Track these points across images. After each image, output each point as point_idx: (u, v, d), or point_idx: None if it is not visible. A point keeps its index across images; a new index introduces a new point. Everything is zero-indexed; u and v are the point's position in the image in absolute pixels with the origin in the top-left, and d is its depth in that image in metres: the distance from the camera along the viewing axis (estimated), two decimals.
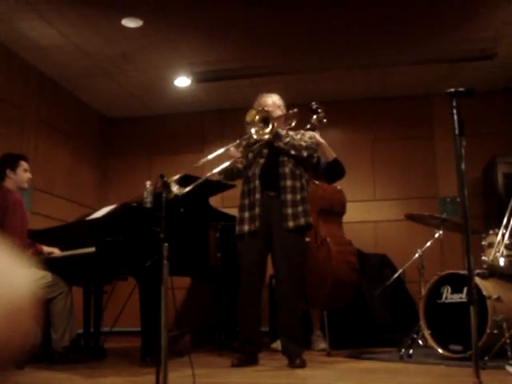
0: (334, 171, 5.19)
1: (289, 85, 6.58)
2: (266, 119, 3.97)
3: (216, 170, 3.85)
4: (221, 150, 3.83)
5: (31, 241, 4.42)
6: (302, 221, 4.03)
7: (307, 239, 4.62)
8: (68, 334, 4.31)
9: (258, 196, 4.06)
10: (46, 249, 4.43)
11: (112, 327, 4.94)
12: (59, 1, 5.07)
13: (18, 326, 0.70)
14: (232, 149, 4.02)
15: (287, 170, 4.08)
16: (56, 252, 4.42)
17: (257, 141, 4.03)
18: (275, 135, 4.04)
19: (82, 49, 5.97)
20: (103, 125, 7.97)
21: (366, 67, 6.52)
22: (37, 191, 6.17)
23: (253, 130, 3.94)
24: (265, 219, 4.04)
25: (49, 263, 4.36)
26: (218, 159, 3.80)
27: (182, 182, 4.90)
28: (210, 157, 3.70)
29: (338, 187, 5.36)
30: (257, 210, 4.04)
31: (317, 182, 5.15)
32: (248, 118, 3.95)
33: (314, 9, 5.34)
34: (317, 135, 4.72)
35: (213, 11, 5.33)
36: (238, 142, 4.16)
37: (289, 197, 4.03)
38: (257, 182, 4.09)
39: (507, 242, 3.97)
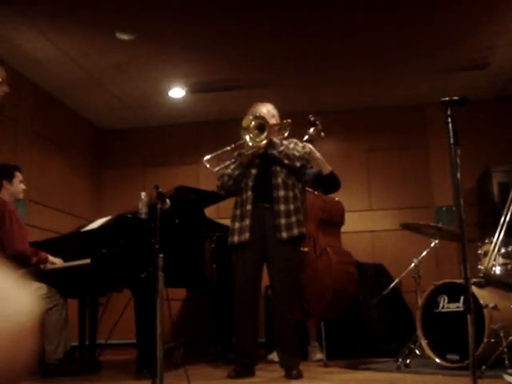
0: (330, 184, 5.20)
1: (284, 95, 6.58)
2: (261, 126, 3.99)
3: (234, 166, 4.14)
4: (227, 148, 4.10)
5: (35, 249, 4.39)
6: (296, 231, 4.01)
7: (305, 249, 4.61)
8: (62, 346, 4.27)
9: (249, 207, 4.04)
10: (51, 258, 4.40)
11: (107, 339, 4.91)
12: (53, 13, 5.07)
13: (21, 347, 0.70)
14: (248, 140, 4.02)
15: (279, 180, 4.07)
16: (58, 262, 4.39)
17: (253, 148, 4.04)
18: (270, 143, 4.04)
19: (75, 60, 5.96)
20: (97, 136, 7.95)
21: (360, 78, 6.54)
22: (31, 203, 6.14)
23: (247, 137, 3.96)
24: (258, 230, 4.02)
25: (44, 275, 4.34)
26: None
27: (177, 193, 4.91)
28: (220, 152, 3.85)
29: (337, 198, 5.36)
30: (247, 221, 4.02)
31: (316, 193, 5.14)
32: (244, 124, 3.98)
33: (305, 21, 5.36)
34: (312, 148, 4.74)
35: (206, 23, 5.34)
36: (233, 146, 4.19)
37: (282, 207, 4.02)
38: (249, 193, 4.07)
39: (503, 250, 3.97)
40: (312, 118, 5.20)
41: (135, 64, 6.13)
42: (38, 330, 0.74)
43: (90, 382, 3.93)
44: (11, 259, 3.94)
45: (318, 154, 4.98)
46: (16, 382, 0.71)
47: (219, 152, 4.22)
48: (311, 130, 5.15)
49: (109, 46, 5.70)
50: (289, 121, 4.31)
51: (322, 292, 4.81)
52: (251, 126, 3.99)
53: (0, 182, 4.40)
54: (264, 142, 3.99)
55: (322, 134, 5.19)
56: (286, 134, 4.33)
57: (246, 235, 4.00)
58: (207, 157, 4.19)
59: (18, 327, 0.70)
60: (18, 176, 4.53)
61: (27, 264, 4.28)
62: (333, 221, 5.21)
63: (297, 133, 4.51)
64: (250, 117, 4.04)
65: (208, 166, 4.16)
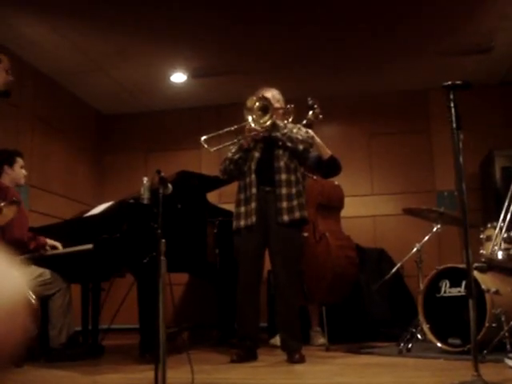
0: (330, 168, 5.19)
1: (286, 80, 6.54)
2: (265, 108, 3.99)
3: (233, 151, 4.13)
4: (230, 129, 4.15)
5: (33, 234, 4.40)
6: (297, 215, 4.02)
7: (305, 234, 4.61)
8: (65, 331, 4.30)
9: (254, 190, 4.05)
10: (50, 242, 4.41)
11: (110, 324, 4.93)
12: None
13: (14, 326, 0.71)
14: (251, 121, 4.00)
15: (282, 163, 4.07)
16: (59, 246, 4.41)
17: (253, 131, 4.03)
18: (273, 125, 4.03)
19: (77, 46, 5.94)
20: (99, 121, 7.94)
21: (362, 63, 6.51)
22: (33, 188, 6.14)
23: (250, 118, 3.95)
24: (261, 213, 4.03)
25: (47, 260, 4.35)
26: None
27: (179, 178, 4.90)
28: (221, 132, 4.05)
29: (336, 182, 5.35)
30: (253, 205, 4.03)
31: (315, 177, 5.14)
32: (248, 104, 3.97)
33: (307, 7, 5.33)
34: (313, 133, 4.73)
35: (208, 9, 5.31)
36: (235, 127, 4.18)
37: (284, 191, 4.02)
38: (253, 177, 4.08)
39: (505, 235, 3.97)
40: (310, 102, 5.18)
41: (137, 49, 6.10)
42: (34, 310, 0.76)
43: (94, 366, 3.95)
44: (9, 244, 3.96)
45: (317, 139, 4.96)
46: (10, 356, 0.71)
47: (220, 132, 4.22)
48: (310, 113, 5.14)
49: (110, 30, 5.67)
50: (292, 106, 4.30)
51: (321, 277, 4.82)
52: (255, 106, 3.99)
53: (1, 166, 4.41)
54: (267, 123, 3.98)
55: (321, 116, 5.17)
56: (290, 120, 4.32)
57: (253, 218, 4.01)
58: (205, 136, 4.19)
59: (11, 305, 0.71)
60: (19, 161, 4.54)
61: (26, 249, 4.29)
62: (332, 205, 5.21)
63: (297, 117, 4.50)
64: (254, 98, 4.03)
65: (206, 145, 4.16)
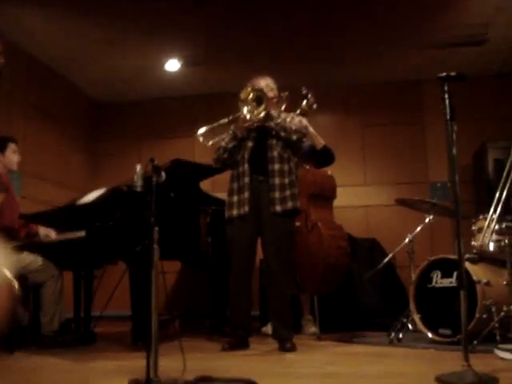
0: (323, 158, 5.19)
1: (280, 69, 6.50)
2: (259, 99, 3.99)
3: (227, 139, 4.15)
4: (224, 120, 4.12)
5: (24, 222, 4.39)
6: (290, 205, 4.03)
7: (297, 224, 4.62)
8: (57, 318, 4.31)
9: (246, 180, 4.05)
10: (42, 230, 4.40)
11: (102, 312, 4.93)
12: None
13: None
14: (246, 113, 4.00)
15: (275, 153, 4.07)
16: (52, 234, 4.40)
17: (250, 120, 4.02)
18: (267, 115, 4.03)
19: (71, 33, 5.90)
20: (93, 109, 7.92)
21: (357, 53, 6.50)
22: (26, 175, 6.12)
23: (245, 109, 3.95)
24: (254, 203, 4.03)
25: (39, 247, 4.34)
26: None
27: (173, 167, 4.89)
28: (215, 124, 4.06)
29: (329, 172, 5.35)
30: (246, 194, 4.04)
31: (307, 167, 5.14)
32: (242, 96, 3.98)
33: None
34: (306, 122, 4.72)
35: None
36: (230, 118, 4.17)
37: (277, 181, 4.03)
38: (246, 166, 4.08)
39: (496, 226, 3.98)
40: (304, 91, 5.17)
41: (131, 36, 6.07)
42: (14, 291, 0.76)
43: (85, 353, 3.96)
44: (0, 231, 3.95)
45: (310, 129, 4.95)
46: None
47: (214, 124, 4.20)
48: (303, 103, 5.13)
49: (105, 18, 5.64)
50: (286, 93, 4.29)
51: (313, 266, 4.83)
52: (249, 98, 3.99)
53: None
54: (262, 114, 3.98)
55: (315, 106, 5.16)
56: (283, 107, 4.31)
57: (246, 208, 4.02)
58: (201, 130, 4.16)
59: None
60: (11, 146, 4.52)
61: (17, 236, 4.28)
62: (324, 195, 5.21)
63: (291, 107, 4.49)
64: (249, 89, 4.03)
65: (201, 139, 4.13)
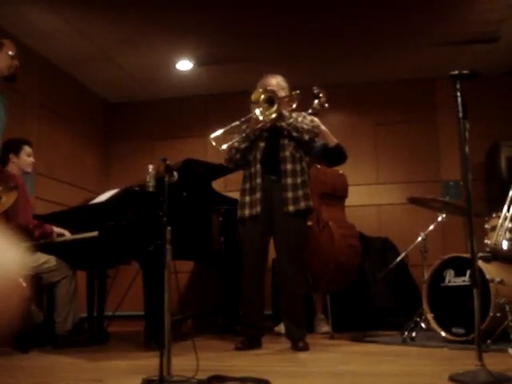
0: (336, 157, 5.18)
1: (292, 68, 6.51)
2: (271, 100, 3.99)
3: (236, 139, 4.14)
4: (236, 123, 4.11)
5: (39, 222, 4.42)
6: (303, 205, 4.03)
7: (309, 223, 4.62)
8: (71, 318, 4.33)
9: (258, 180, 4.06)
10: (57, 230, 4.42)
11: (115, 311, 4.96)
12: None
13: (9, 299, 0.72)
14: (258, 114, 4.00)
15: (287, 153, 4.08)
16: (66, 234, 4.42)
17: (263, 121, 4.03)
18: (279, 116, 4.03)
19: (83, 33, 5.93)
20: (105, 109, 7.95)
21: (369, 51, 6.48)
22: (39, 176, 6.16)
23: (258, 111, 3.96)
24: (266, 203, 4.04)
25: (53, 247, 4.37)
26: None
27: (185, 166, 4.91)
28: (228, 127, 4.05)
29: (340, 171, 5.34)
30: (258, 195, 4.04)
31: (318, 166, 5.14)
32: (253, 98, 3.98)
33: None
34: (318, 121, 4.72)
35: None
36: (242, 119, 4.17)
37: (289, 180, 4.03)
38: (258, 166, 4.08)
39: (510, 224, 3.96)
40: (316, 91, 5.16)
41: (143, 37, 6.08)
42: (23, 292, 0.78)
43: (99, 353, 3.98)
44: (14, 231, 3.97)
45: (323, 127, 4.95)
46: (3, 329, 0.73)
47: (227, 128, 4.19)
48: (315, 102, 5.12)
49: (117, 18, 5.66)
50: (297, 92, 4.29)
51: (325, 265, 4.83)
52: (261, 99, 3.99)
53: (7, 155, 4.43)
54: (274, 115, 3.99)
55: (326, 105, 5.16)
56: (294, 106, 4.31)
57: (258, 208, 4.02)
58: (214, 134, 4.14)
59: (7, 281, 0.72)
60: (26, 149, 4.56)
61: (31, 236, 4.31)
62: (336, 194, 5.21)
63: (302, 106, 4.49)
64: (260, 90, 4.04)
65: (214, 143, 4.10)
